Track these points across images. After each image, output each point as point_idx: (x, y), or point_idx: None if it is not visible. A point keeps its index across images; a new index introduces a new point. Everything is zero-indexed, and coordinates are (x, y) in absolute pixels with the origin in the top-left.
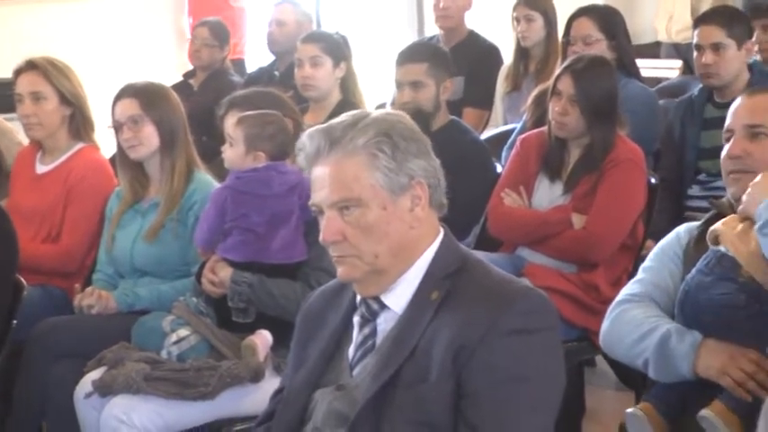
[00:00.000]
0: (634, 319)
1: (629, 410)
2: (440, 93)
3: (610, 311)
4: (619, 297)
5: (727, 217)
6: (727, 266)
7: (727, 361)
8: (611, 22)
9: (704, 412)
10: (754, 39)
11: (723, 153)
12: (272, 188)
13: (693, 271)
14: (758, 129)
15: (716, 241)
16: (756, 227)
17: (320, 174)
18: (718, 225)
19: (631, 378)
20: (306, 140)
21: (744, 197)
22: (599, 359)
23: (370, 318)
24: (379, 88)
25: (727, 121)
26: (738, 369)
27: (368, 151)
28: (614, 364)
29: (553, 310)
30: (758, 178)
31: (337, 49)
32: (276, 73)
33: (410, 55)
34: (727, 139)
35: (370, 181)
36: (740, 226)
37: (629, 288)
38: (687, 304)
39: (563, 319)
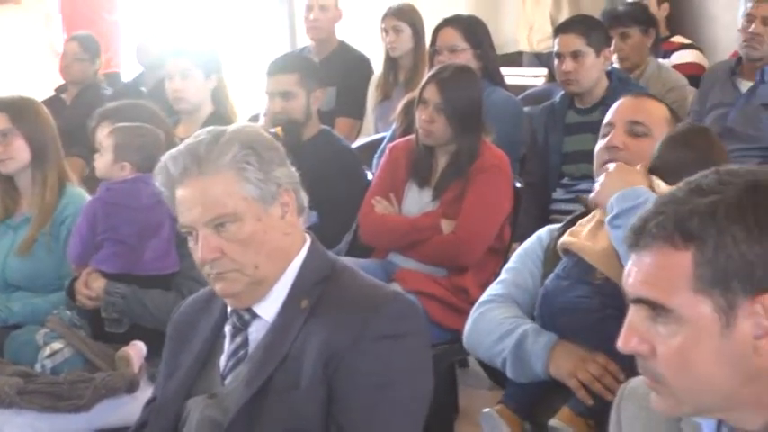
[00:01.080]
0: (494, 319)
1: (484, 410)
2: (310, 102)
3: (472, 312)
4: (482, 298)
5: (575, 225)
6: (582, 269)
7: (578, 363)
8: (475, 32)
9: (553, 422)
10: (611, 47)
11: (600, 145)
12: (142, 200)
13: (551, 275)
14: (639, 126)
15: (566, 252)
16: (607, 219)
17: (188, 194)
18: (564, 238)
19: (502, 377)
20: (168, 162)
21: (596, 185)
22: (472, 360)
23: (241, 327)
24: (252, 99)
25: (608, 117)
26: (586, 372)
27: (236, 166)
28: (484, 363)
29: (420, 315)
30: (611, 167)
31: (207, 62)
32: (143, 89)
33: (280, 66)
34: (605, 135)
35: (243, 194)
36: (589, 226)
37: (492, 289)
38: (545, 307)
39: (434, 321)
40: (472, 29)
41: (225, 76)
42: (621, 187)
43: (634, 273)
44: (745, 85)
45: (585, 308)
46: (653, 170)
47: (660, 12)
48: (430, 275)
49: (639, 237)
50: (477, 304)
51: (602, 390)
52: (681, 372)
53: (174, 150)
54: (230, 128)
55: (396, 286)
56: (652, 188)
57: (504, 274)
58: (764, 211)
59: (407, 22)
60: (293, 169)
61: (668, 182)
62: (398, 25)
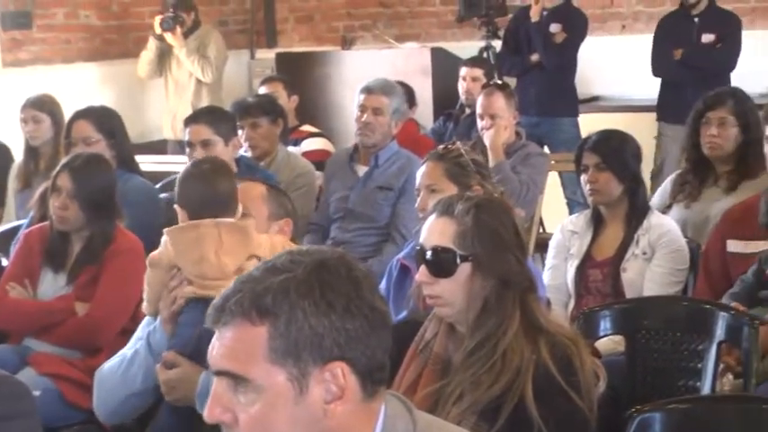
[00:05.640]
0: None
1: None
2: None
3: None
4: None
5: None
6: None
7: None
8: (108, 124)
9: None
10: (241, 136)
11: None
12: None
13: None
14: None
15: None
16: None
17: None
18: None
19: None
20: None
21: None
22: None
23: None
24: None
25: None
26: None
27: None
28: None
29: (30, 396)
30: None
31: None
32: None
33: None
34: None
35: None
36: None
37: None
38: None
39: (69, 403)
40: (104, 120)
41: None
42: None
43: (216, 347)
44: (362, 170)
45: None
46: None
47: (290, 103)
48: (64, 358)
49: (221, 314)
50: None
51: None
52: None
53: None
54: None
55: (30, 370)
56: None
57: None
58: (330, 288)
59: (46, 112)
60: None
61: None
62: (37, 115)
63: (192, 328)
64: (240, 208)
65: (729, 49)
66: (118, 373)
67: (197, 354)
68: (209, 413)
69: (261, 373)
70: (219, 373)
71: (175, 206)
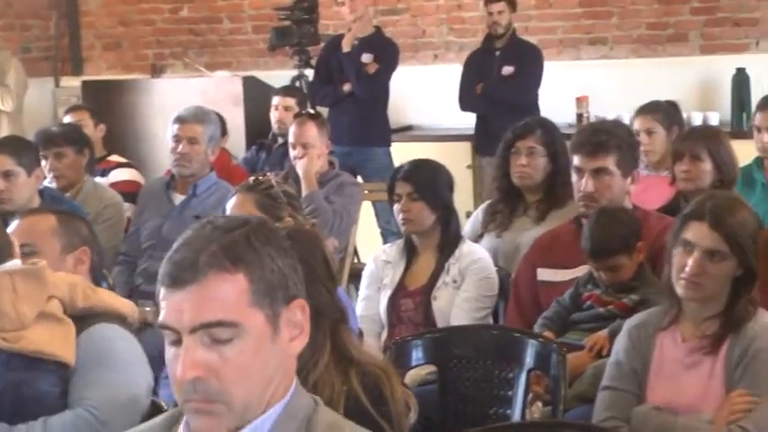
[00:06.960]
0: None
1: None
2: None
3: None
4: None
5: None
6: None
7: None
8: None
9: None
10: (45, 166)
11: None
12: None
13: None
14: (27, 248)
15: None
16: None
17: None
18: None
19: None
20: None
21: None
22: None
23: None
24: None
25: None
26: None
27: None
28: None
29: None
30: None
31: None
32: None
33: None
34: None
35: None
36: None
37: None
38: None
39: None
40: None
41: None
42: None
43: (189, 305)
44: (178, 198)
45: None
46: None
47: (97, 132)
48: None
49: (190, 272)
50: None
51: None
52: (243, 383)
53: None
54: None
55: None
56: None
57: None
58: (276, 237)
59: None
60: None
61: None
62: None
63: None
64: (17, 249)
65: (526, 80)
66: None
67: None
68: (182, 372)
69: (247, 317)
70: (204, 327)
71: None
